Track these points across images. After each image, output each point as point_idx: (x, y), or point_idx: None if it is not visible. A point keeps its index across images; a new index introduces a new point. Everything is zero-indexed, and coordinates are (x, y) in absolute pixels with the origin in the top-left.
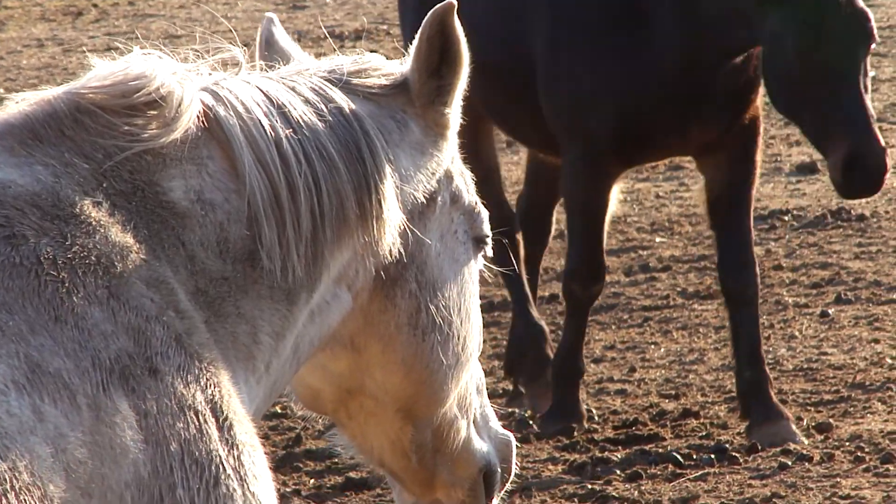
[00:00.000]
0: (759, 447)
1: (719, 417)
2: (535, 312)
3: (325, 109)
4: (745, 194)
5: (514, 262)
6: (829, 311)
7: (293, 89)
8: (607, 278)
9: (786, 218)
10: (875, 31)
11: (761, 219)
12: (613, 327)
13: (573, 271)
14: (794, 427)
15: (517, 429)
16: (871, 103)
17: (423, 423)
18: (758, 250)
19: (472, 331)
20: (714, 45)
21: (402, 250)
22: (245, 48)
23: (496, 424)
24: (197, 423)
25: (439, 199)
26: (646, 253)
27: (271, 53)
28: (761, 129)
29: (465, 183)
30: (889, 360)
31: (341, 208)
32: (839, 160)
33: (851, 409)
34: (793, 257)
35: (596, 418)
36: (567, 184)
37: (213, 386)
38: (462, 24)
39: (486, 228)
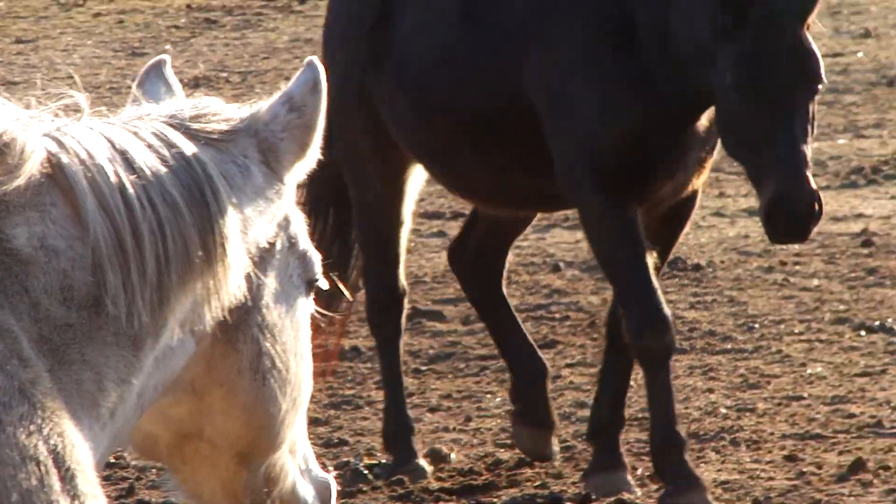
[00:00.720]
0: (593, 497)
1: (554, 467)
2: (405, 405)
3: (167, 154)
4: (667, 251)
5: (390, 332)
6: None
7: (136, 134)
8: (444, 327)
9: None
10: (822, 74)
11: (598, 269)
12: (450, 376)
13: (640, 329)
14: (628, 476)
15: (352, 478)
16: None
17: (258, 467)
18: (594, 300)
19: (307, 374)
20: (690, 84)
21: (245, 295)
22: (87, 94)
23: (316, 467)
24: (38, 474)
25: (278, 243)
26: None
27: (143, 95)
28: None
29: (300, 227)
30: (723, 410)
31: (186, 253)
32: (764, 203)
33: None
34: None
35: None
36: (596, 238)
37: (56, 436)
38: (418, 62)
39: (318, 272)
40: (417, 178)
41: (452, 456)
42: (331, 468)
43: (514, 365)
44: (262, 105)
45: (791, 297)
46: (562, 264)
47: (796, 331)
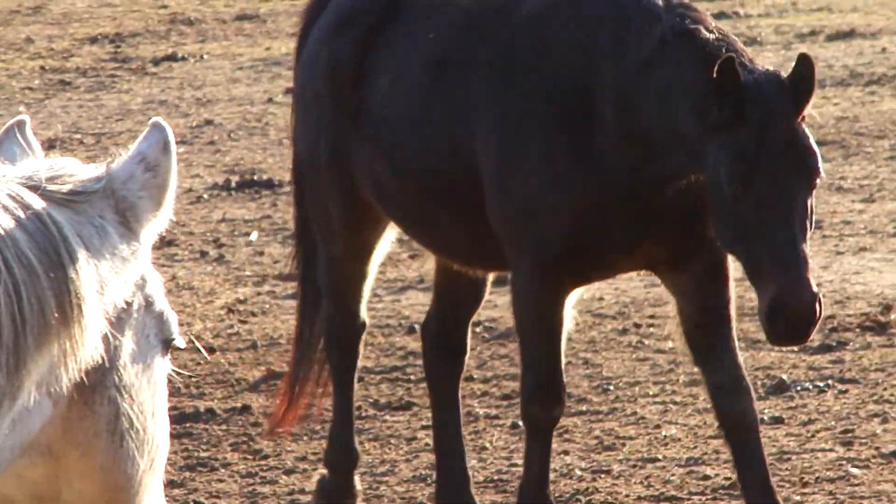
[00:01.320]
0: None
1: None
2: (354, 438)
3: (23, 216)
4: (724, 316)
5: (346, 361)
6: (519, 423)
7: None
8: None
9: (477, 329)
10: (820, 168)
11: None
12: (305, 439)
13: (532, 396)
14: None
15: None
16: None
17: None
18: None
19: (164, 435)
20: (656, 165)
21: (102, 355)
22: None
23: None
24: None
25: (135, 303)
26: None
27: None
28: None
29: (157, 287)
30: (578, 472)
31: (42, 315)
32: (765, 306)
33: None
34: (484, 368)
35: None
36: (518, 301)
37: None
38: (393, 126)
39: (174, 331)
40: (387, 236)
41: None
42: None
43: (443, 470)
44: (116, 165)
45: (646, 359)
46: (417, 326)
47: (651, 392)
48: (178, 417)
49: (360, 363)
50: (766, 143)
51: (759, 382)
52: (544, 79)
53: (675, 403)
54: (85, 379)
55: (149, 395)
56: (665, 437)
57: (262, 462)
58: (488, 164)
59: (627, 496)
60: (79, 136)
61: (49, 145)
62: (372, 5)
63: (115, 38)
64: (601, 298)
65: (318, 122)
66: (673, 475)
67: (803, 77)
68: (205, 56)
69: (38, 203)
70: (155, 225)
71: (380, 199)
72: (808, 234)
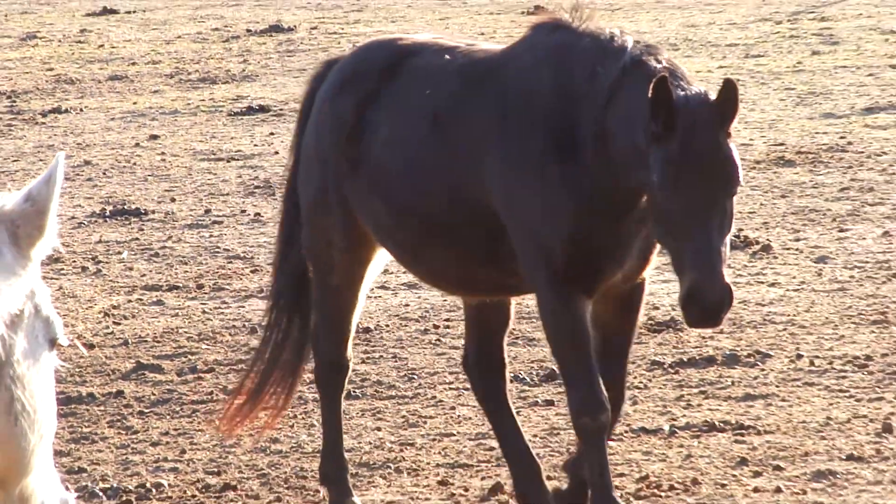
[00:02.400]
0: None
1: (253, 490)
2: (343, 451)
3: None
4: (629, 336)
5: (333, 389)
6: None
7: None
8: (162, 378)
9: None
10: (739, 178)
11: None
12: (168, 417)
13: (579, 409)
14: None
15: (89, 499)
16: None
17: (13, 490)
18: None
19: (51, 415)
20: (629, 181)
21: (4, 352)
22: None
23: (60, 488)
24: None
25: (26, 310)
26: (194, 357)
27: None
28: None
29: (45, 296)
30: (388, 444)
31: None
32: (682, 295)
33: (358, 483)
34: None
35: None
36: (544, 317)
37: None
38: (392, 170)
39: (59, 332)
40: (376, 268)
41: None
42: (72, 490)
43: (514, 466)
44: (9, 200)
45: (443, 354)
46: (257, 327)
47: (447, 380)
48: (64, 400)
49: (210, 357)
50: (690, 153)
51: (534, 373)
52: (534, 123)
53: (466, 389)
54: None
55: (38, 384)
56: (459, 416)
57: (133, 436)
58: (497, 200)
59: (428, 464)
60: None
61: None
62: (370, 69)
63: (11, 94)
64: (407, 305)
65: (323, 169)
66: (465, 447)
67: (728, 97)
68: (84, 109)
69: None
70: (42, 246)
71: (377, 235)
72: (728, 234)
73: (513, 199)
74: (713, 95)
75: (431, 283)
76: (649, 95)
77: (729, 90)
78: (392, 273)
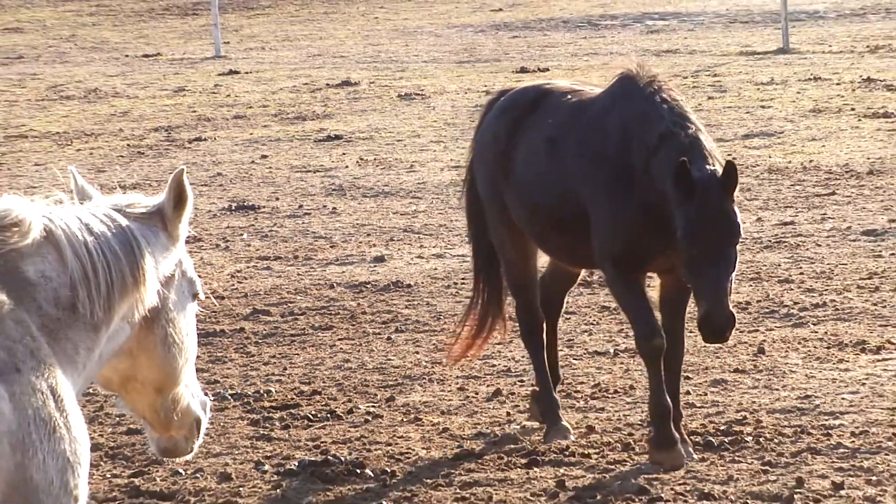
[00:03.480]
0: None
1: (332, 394)
2: (552, 391)
3: (111, 225)
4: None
5: (536, 343)
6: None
7: (94, 215)
8: (271, 318)
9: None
10: (741, 230)
11: None
12: (274, 345)
13: (640, 339)
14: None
15: (220, 400)
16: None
17: (166, 395)
18: None
19: (193, 345)
20: (664, 209)
21: (158, 302)
22: (68, 193)
23: (200, 393)
24: (42, 398)
25: (176, 273)
26: (292, 305)
27: (80, 192)
28: None
29: (189, 263)
30: (424, 363)
31: (123, 280)
32: (699, 319)
33: (403, 389)
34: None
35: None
36: (610, 285)
37: (52, 377)
38: (526, 180)
39: (199, 289)
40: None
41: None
42: (209, 395)
43: (542, 379)
44: (159, 198)
45: (460, 301)
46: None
47: None
48: (203, 334)
49: (303, 304)
50: (703, 216)
51: None
52: (605, 155)
53: None
54: (148, 314)
55: (184, 324)
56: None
57: (251, 359)
58: (589, 208)
59: (451, 376)
60: (148, 182)
61: (132, 187)
62: (520, 103)
63: (168, 128)
64: (435, 268)
65: (488, 170)
66: (475, 365)
67: (730, 174)
68: (216, 138)
69: (121, 219)
70: (183, 228)
71: (520, 225)
72: (733, 272)
73: (592, 210)
74: (719, 172)
75: (554, 258)
76: (673, 174)
77: (730, 170)
78: (424, 247)
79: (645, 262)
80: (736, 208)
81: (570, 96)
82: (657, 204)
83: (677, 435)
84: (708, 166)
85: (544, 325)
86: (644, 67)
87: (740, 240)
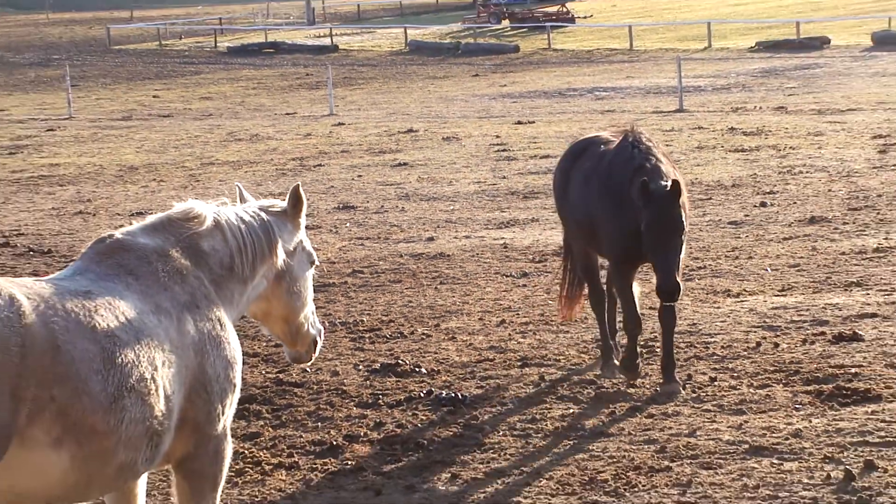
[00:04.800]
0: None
1: (420, 320)
2: (610, 337)
3: (256, 218)
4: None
5: (600, 310)
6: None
7: (246, 211)
8: (365, 276)
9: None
10: (685, 225)
11: None
12: (369, 291)
13: (626, 323)
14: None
15: (331, 327)
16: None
17: (291, 324)
18: None
19: (309, 294)
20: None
21: (285, 266)
22: (229, 198)
23: (317, 323)
24: (212, 324)
25: (298, 249)
26: (378, 268)
27: (241, 198)
28: None
29: (307, 243)
30: (458, 302)
31: (262, 252)
32: (656, 286)
33: (443, 322)
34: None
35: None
36: (612, 277)
37: (218, 311)
38: (572, 200)
39: (316, 259)
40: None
41: None
42: (325, 322)
43: (603, 334)
44: (285, 202)
45: (481, 265)
46: None
47: (482, 278)
48: (318, 286)
49: (384, 267)
50: (657, 216)
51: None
52: (612, 185)
53: (491, 282)
54: (279, 273)
55: (304, 283)
56: (490, 291)
57: (351, 300)
58: (597, 222)
59: (477, 311)
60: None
61: (278, 195)
62: (576, 149)
63: (300, 159)
64: (465, 245)
65: (558, 197)
66: (489, 304)
67: (675, 188)
68: (329, 164)
69: (263, 214)
70: (303, 220)
71: (571, 233)
72: (680, 254)
73: (600, 222)
74: (669, 186)
75: (594, 259)
76: (638, 189)
77: (675, 184)
78: (458, 232)
79: (635, 258)
80: (682, 211)
81: (602, 147)
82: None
83: (641, 362)
84: (662, 182)
85: (605, 297)
86: (633, 128)
87: (684, 232)
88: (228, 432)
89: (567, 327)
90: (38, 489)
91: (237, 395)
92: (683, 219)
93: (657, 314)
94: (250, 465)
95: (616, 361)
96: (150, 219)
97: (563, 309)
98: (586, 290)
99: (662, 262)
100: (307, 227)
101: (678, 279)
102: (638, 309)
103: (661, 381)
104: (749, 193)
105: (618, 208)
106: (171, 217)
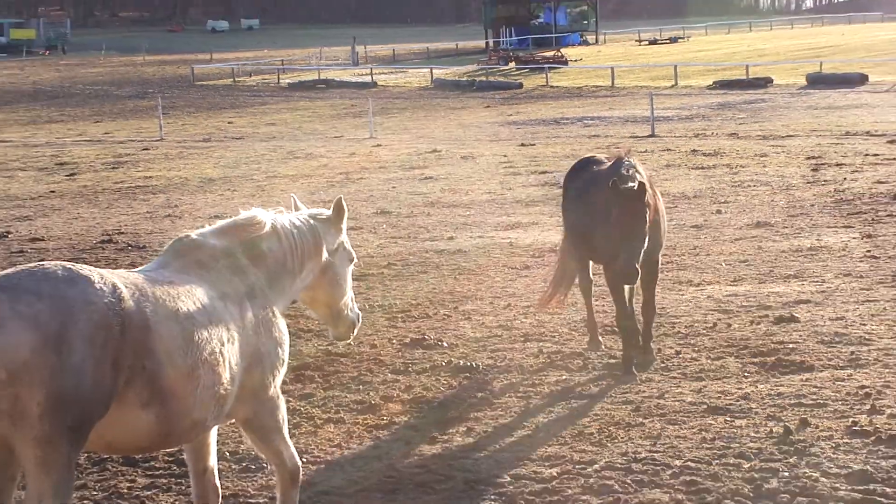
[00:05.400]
0: None
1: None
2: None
3: (306, 223)
4: (652, 287)
5: (589, 297)
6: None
7: (298, 218)
8: (409, 265)
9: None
10: (647, 220)
11: None
12: (405, 278)
13: (618, 318)
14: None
15: (370, 310)
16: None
17: (333, 309)
18: None
19: (348, 286)
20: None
21: (328, 263)
22: (284, 207)
23: (356, 309)
24: (265, 312)
25: (340, 248)
26: (425, 257)
27: (295, 206)
28: None
29: (348, 244)
30: (475, 287)
31: (310, 251)
32: (617, 268)
33: (465, 307)
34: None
35: None
36: (606, 275)
37: (270, 301)
38: (570, 212)
39: (354, 256)
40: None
41: None
42: (364, 306)
43: (589, 314)
44: (331, 210)
45: (492, 257)
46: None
47: (495, 267)
48: (358, 276)
49: (431, 259)
50: (623, 209)
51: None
52: (599, 197)
53: (497, 270)
54: (322, 267)
55: (343, 276)
56: (500, 274)
57: (390, 286)
58: (592, 231)
59: (489, 298)
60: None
61: (325, 203)
62: (577, 167)
63: (347, 173)
64: (476, 243)
65: (562, 206)
66: (498, 281)
67: (641, 185)
68: (370, 178)
69: (311, 221)
70: (344, 226)
71: (569, 236)
72: (643, 246)
73: (589, 228)
74: (636, 187)
75: (588, 257)
76: (610, 188)
77: (641, 186)
78: (473, 233)
79: (602, 258)
80: (645, 208)
81: (596, 167)
82: None
83: (634, 355)
84: (630, 184)
85: (592, 286)
86: (626, 150)
87: (646, 226)
88: (280, 394)
89: (561, 310)
90: (128, 441)
91: (285, 367)
92: (646, 214)
93: (640, 309)
94: (305, 420)
95: (600, 339)
96: (219, 223)
97: (542, 301)
98: (569, 288)
99: (626, 249)
100: (350, 229)
101: (637, 265)
102: (627, 307)
103: (641, 353)
104: (707, 203)
105: (606, 219)
106: (237, 222)
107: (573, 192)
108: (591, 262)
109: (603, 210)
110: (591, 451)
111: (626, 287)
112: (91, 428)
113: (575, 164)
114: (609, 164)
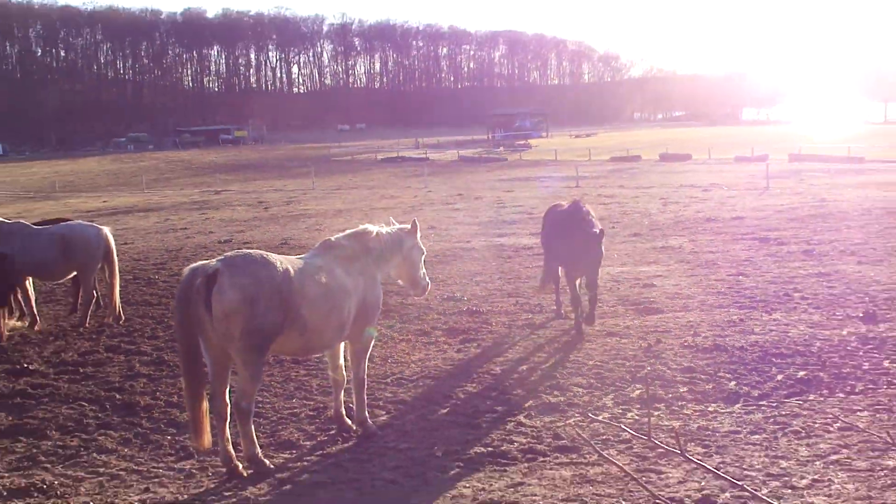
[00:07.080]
0: None
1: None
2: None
3: (395, 234)
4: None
5: (557, 287)
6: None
7: (391, 230)
8: (460, 256)
9: None
10: (602, 253)
11: None
12: (455, 265)
13: (571, 300)
14: None
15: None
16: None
17: (412, 279)
18: None
19: (421, 267)
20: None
21: (408, 254)
22: (384, 223)
23: (427, 280)
24: (371, 281)
25: (415, 246)
26: (473, 254)
27: (390, 223)
28: None
29: (421, 244)
30: (485, 279)
31: (396, 250)
32: (585, 285)
33: (477, 288)
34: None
35: None
36: (567, 281)
37: (373, 274)
38: (545, 238)
39: (424, 250)
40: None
41: None
42: (431, 280)
43: (557, 301)
44: (409, 225)
45: (497, 253)
46: None
47: (495, 266)
48: (428, 263)
49: (474, 255)
50: (589, 248)
51: None
52: (566, 227)
53: (500, 271)
54: (404, 257)
55: (417, 262)
56: (499, 266)
57: (450, 269)
58: (559, 252)
59: (495, 287)
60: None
61: (403, 220)
62: (549, 209)
63: (413, 207)
64: (486, 245)
65: (541, 234)
66: (499, 275)
67: (601, 234)
68: (427, 210)
69: (399, 232)
70: (418, 235)
71: (548, 251)
72: (600, 262)
73: (560, 253)
74: (598, 230)
75: (557, 263)
76: (580, 232)
77: (601, 232)
78: (480, 239)
79: (577, 270)
80: (602, 247)
81: (559, 208)
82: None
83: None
84: (594, 229)
85: (559, 279)
86: (580, 197)
87: (602, 259)
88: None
89: (549, 294)
90: (291, 351)
91: (378, 312)
92: (602, 251)
93: (587, 298)
94: (388, 339)
95: (563, 311)
96: (347, 231)
97: (538, 289)
98: (551, 281)
99: (590, 273)
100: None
101: (596, 282)
102: (578, 292)
103: (585, 318)
104: (606, 223)
105: (570, 241)
106: (356, 232)
107: (548, 225)
108: (559, 266)
109: (563, 235)
110: (545, 355)
111: (577, 280)
112: (270, 345)
113: (548, 209)
114: (567, 205)
